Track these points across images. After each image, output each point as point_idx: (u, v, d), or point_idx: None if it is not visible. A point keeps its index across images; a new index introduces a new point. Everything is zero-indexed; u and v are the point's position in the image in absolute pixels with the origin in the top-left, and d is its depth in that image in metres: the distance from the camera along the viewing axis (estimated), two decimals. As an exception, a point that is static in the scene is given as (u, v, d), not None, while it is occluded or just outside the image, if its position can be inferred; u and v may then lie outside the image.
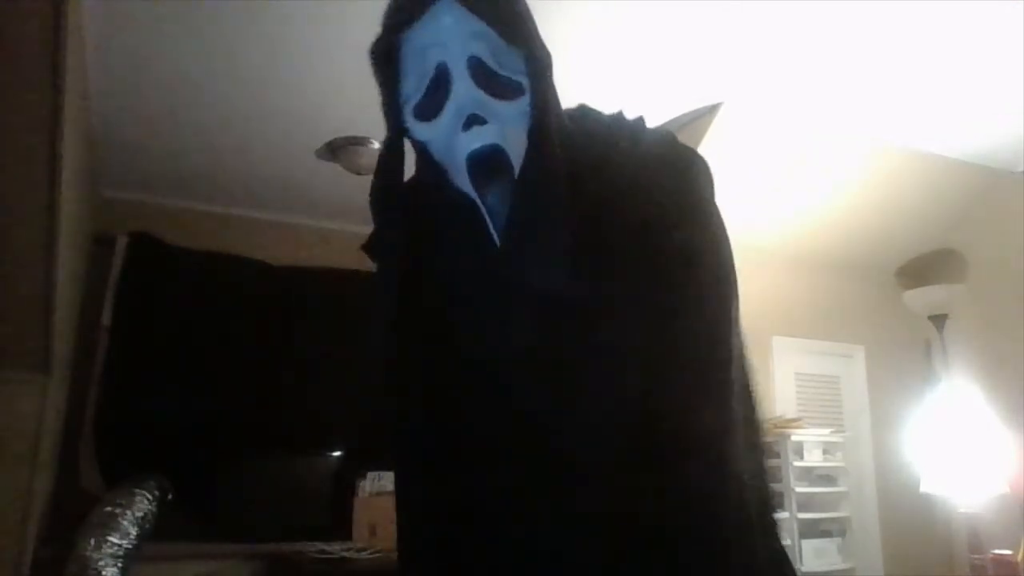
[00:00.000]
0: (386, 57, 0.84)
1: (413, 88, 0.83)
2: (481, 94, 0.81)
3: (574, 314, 0.81)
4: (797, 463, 3.53)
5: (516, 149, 0.82)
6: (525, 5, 0.86)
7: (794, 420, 3.73)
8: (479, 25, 0.80)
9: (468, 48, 0.80)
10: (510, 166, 0.81)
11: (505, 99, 0.82)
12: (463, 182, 0.82)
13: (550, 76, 0.85)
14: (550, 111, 0.84)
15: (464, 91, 0.81)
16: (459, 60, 0.81)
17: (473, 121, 0.80)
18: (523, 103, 0.83)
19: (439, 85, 0.81)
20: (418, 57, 0.82)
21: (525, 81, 0.83)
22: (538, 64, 0.83)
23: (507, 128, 0.81)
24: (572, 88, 3.57)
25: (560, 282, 0.80)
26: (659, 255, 0.82)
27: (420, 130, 0.84)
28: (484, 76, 0.81)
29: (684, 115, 3.47)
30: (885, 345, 4.36)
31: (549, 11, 2.68)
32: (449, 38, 0.80)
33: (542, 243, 0.80)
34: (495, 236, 0.82)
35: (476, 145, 0.80)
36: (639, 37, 2.86)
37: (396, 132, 0.87)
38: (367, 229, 0.95)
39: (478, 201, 0.82)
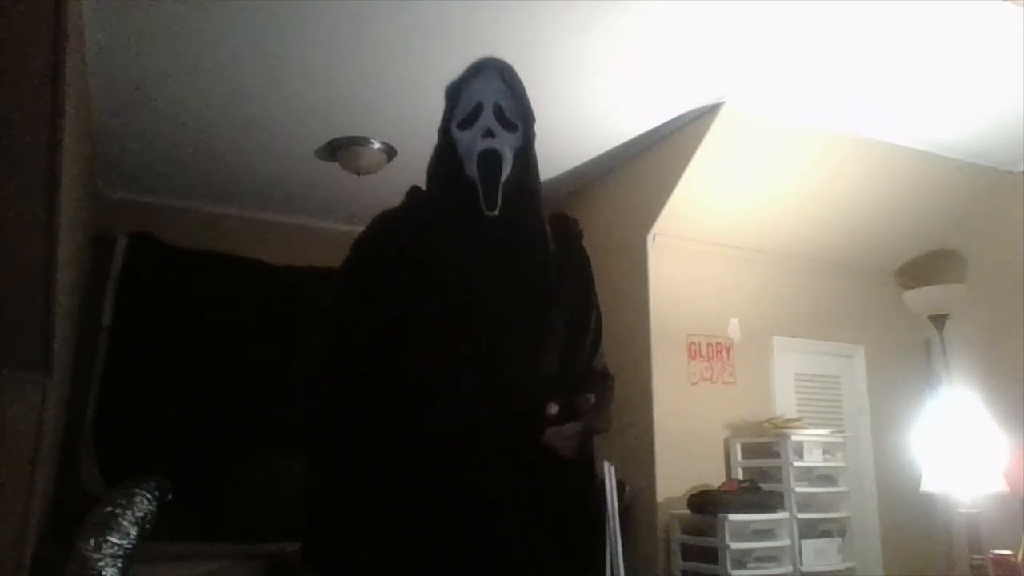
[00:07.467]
0: (454, 93, 1.45)
1: (461, 112, 1.42)
2: (496, 123, 1.40)
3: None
4: (797, 463, 3.52)
5: (507, 157, 1.39)
6: (523, 86, 1.46)
7: (794, 420, 3.72)
8: (503, 87, 1.43)
9: (495, 98, 1.42)
10: (501, 164, 1.37)
11: (508, 130, 1.41)
12: (471, 169, 1.38)
13: (534, 125, 1.46)
14: (531, 144, 1.45)
15: (487, 119, 1.40)
16: (489, 103, 1.41)
17: (487, 134, 1.39)
18: (518, 136, 1.42)
19: (476, 113, 1.41)
20: (468, 96, 1.43)
21: (520, 124, 1.43)
22: (529, 117, 1.45)
23: (504, 145, 1.39)
24: (573, 87, 3.58)
25: (535, 235, 1.44)
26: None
27: (458, 134, 1.42)
28: (499, 114, 1.41)
29: (684, 115, 3.48)
30: (885, 345, 4.36)
31: (551, 12, 2.69)
32: (486, 90, 1.42)
33: (524, 211, 1.42)
34: (483, 206, 1.34)
35: (484, 147, 1.38)
36: (640, 37, 2.87)
37: (445, 135, 1.44)
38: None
39: (478, 182, 1.35)
